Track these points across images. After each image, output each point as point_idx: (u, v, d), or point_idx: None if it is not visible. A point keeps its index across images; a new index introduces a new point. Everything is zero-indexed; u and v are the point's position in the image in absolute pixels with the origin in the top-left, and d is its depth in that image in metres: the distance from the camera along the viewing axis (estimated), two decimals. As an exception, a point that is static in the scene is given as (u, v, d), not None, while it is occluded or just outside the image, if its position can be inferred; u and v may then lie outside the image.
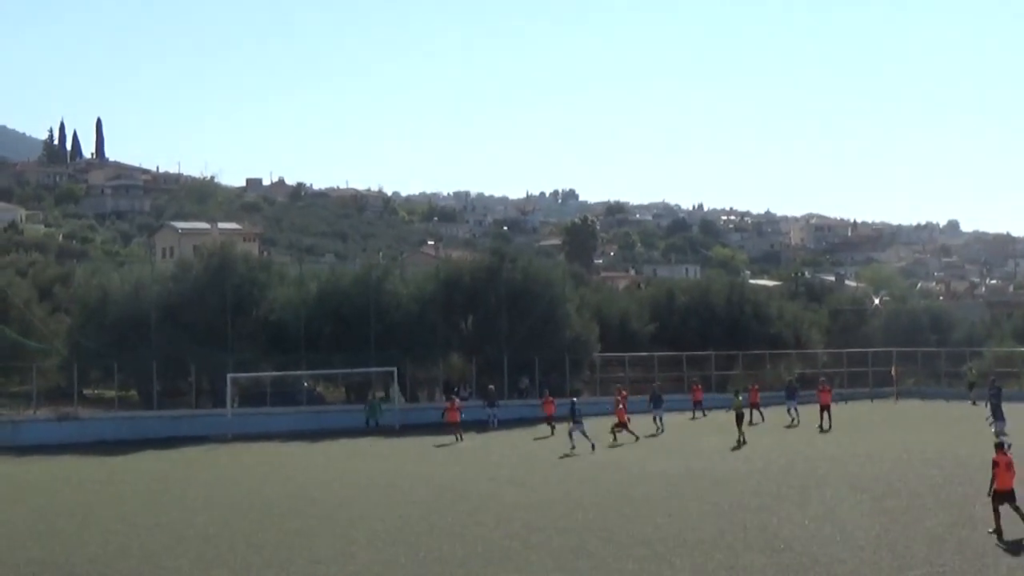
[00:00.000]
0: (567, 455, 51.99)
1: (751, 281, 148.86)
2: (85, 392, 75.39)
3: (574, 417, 54.81)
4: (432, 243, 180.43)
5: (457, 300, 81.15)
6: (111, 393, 76.62)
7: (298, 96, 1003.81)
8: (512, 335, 78.03)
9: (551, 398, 67.15)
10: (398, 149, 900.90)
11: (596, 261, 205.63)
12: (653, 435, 60.74)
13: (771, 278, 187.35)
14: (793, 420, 66.87)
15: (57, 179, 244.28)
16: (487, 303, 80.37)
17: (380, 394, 76.65)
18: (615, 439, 56.75)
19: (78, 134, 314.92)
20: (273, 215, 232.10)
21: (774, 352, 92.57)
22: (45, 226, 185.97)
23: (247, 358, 74.32)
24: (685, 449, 53.04)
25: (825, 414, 63.05)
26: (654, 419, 63.69)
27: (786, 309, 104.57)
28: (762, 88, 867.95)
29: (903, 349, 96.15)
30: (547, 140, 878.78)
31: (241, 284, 77.85)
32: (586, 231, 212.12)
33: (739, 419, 56.86)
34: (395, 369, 74.14)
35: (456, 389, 79.81)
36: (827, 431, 61.08)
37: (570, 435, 54.26)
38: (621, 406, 60.61)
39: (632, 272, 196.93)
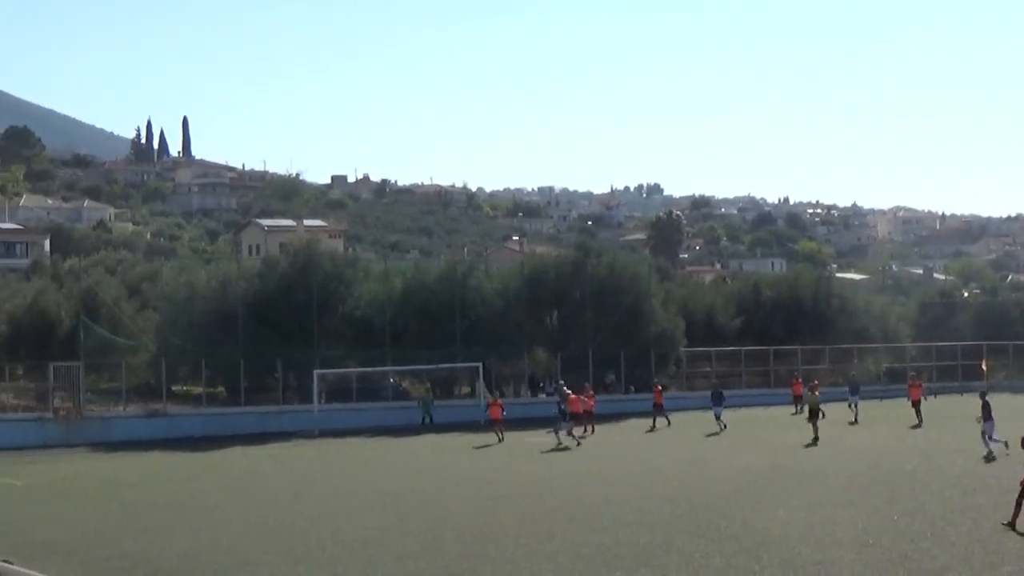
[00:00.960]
0: (654, 451, 51.73)
1: (838, 275, 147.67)
2: (173, 388, 75.90)
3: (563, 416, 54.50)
4: (516, 238, 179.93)
5: (542, 295, 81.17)
6: (199, 389, 77.16)
7: (383, 93, 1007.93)
8: (597, 330, 77.77)
9: (499, 401, 63.48)
10: (482, 145, 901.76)
11: (681, 255, 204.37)
12: (715, 433, 59.04)
13: (858, 271, 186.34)
14: (854, 417, 64.54)
15: (144, 177, 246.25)
16: (572, 298, 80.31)
17: (462, 390, 76.65)
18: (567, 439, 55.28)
19: (165, 133, 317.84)
20: (358, 212, 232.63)
21: (861, 346, 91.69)
22: (133, 224, 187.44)
23: (333, 354, 74.79)
24: (771, 444, 52.58)
25: (916, 410, 61.14)
26: (716, 417, 61.23)
27: (873, 302, 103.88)
28: (849, 80, 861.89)
29: (993, 342, 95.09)
30: (631, 134, 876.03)
31: (327, 281, 78.35)
32: (671, 225, 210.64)
33: (813, 415, 55.17)
34: (480, 364, 74.48)
35: (541, 384, 79.91)
36: (918, 427, 59.49)
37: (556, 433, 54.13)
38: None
39: (718, 266, 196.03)
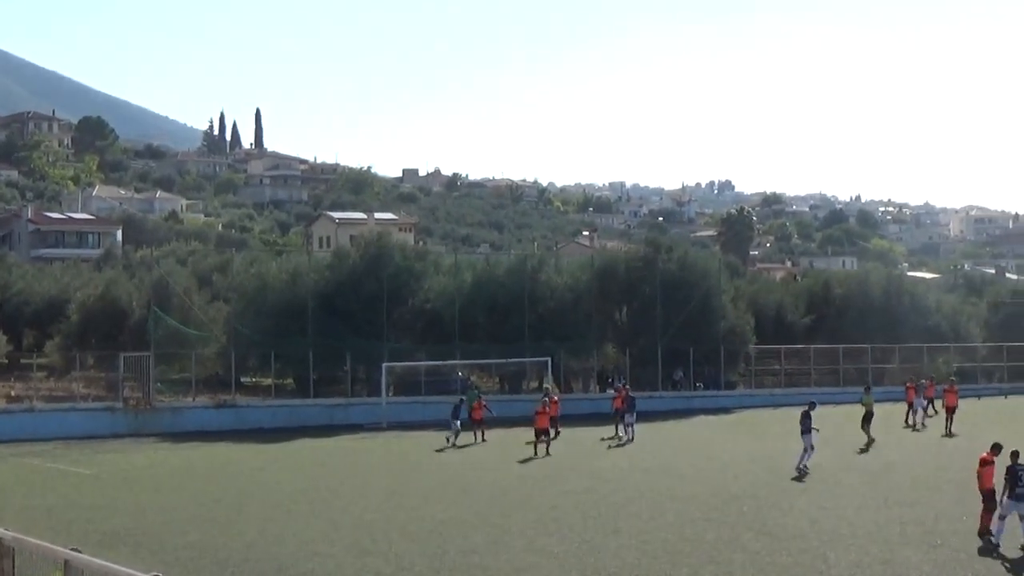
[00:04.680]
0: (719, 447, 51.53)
1: (909, 273, 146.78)
2: (242, 380, 76.27)
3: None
4: (587, 233, 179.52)
5: (612, 290, 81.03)
6: (268, 381, 77.43)
7: (453, 88, 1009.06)
8: (667, 326, 77.43)
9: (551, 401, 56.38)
10: (553, 140, 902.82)
11: (752, 252, 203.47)
12: (623, 444, 55.49)
13: (929, 270, 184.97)
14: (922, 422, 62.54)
15: (216, 169, 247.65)
16: (642, 294, 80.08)
17: (531, 384, 76.54)
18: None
19: (237, 125, 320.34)
20: (429, 205, 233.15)
21: (932, 345, 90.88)
22: (205, 215, 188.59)
23: (402, 347, 74.97)
24: (837, 442, 52.12)
25: (949, 416, 58.34)
26: (627, 426, 56.68)
27: (945, 302, 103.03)
28: (924, 79, 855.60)
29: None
30: (703, 131, 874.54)
31: (397, 273, 78.33)
32: (742, 222, 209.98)
33: (867, 418, 53.50)
34: (549, 359, 74.31)
35: (610, 379, 79.72)
36: (951, 436, 56.73)
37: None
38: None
39: (788, 264, 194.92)
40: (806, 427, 42.88)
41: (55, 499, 38.45)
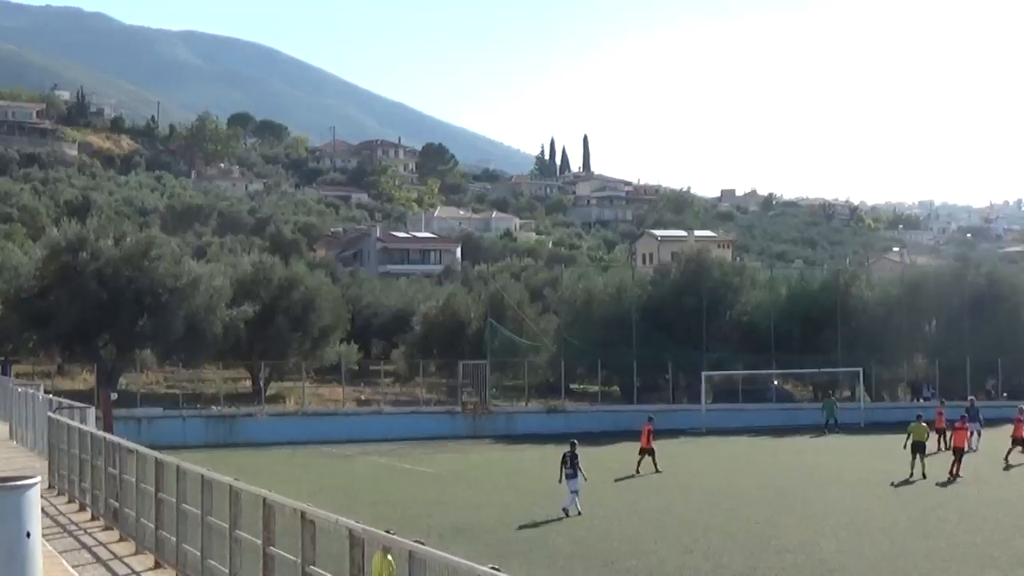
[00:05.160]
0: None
1: None
2: (571, 386, 76.89)
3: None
4: (897, 249, 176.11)
5: (921, 304, 79.64)
6: (595, 388, 77.96)
7: (766, 110, 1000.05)
8: (976, 338, 75.39)
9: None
10: (865, 159, 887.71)
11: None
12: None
13: None
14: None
15: (547, 191, 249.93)
16: (951, 307, 78.35)
17: (847, 393, 75.46)
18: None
19: (567, 150, 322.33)
20: (746, 223, 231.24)
21: None
22: (536, 234, 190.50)
23: (720, 357, 74.77)
24: None
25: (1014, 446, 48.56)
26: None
27: None
28: None
29: None
30: (1011, 148, 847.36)
31: (715, 287, 78.62)
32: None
33: (917, 448, 44.02)
34: (861, 369, 73.39)
35: (921, 389, 78.32)
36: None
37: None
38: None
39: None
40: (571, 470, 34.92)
41: (400, 495, 39.35)
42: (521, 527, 31.84)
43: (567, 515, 33.41)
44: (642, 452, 46.12)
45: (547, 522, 32.69)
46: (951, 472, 42.41)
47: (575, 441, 36.42)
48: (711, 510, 35.09)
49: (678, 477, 44.76)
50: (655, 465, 45.47)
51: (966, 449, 44.08)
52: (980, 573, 24.92)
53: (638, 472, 45.26)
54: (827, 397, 72.16)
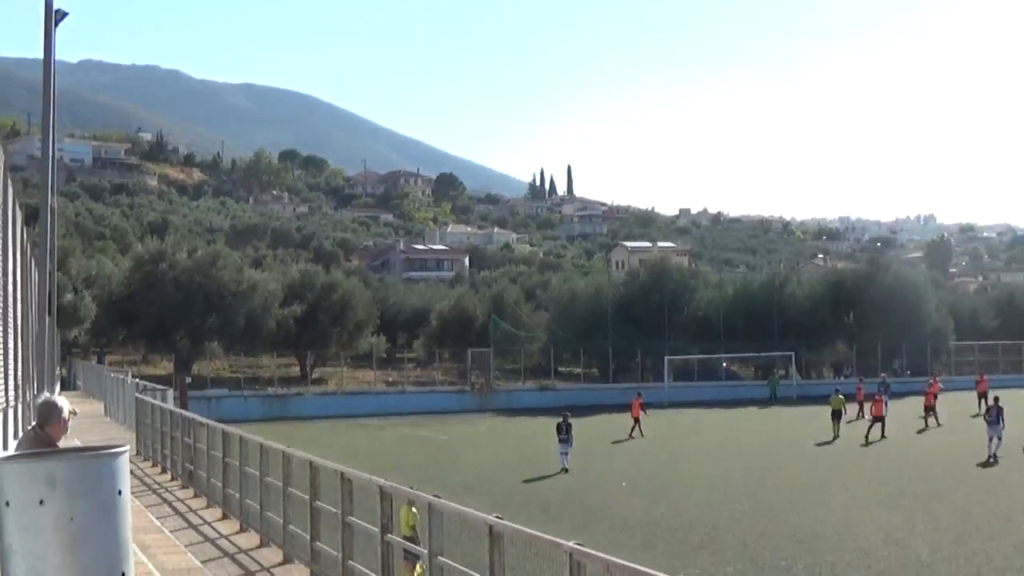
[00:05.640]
0: None
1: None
2: (559, 369, 76.96)
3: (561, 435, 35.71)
4: (821, 256, 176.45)
5: (841, 300, 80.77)
6: (578, 370, 78.01)
7: (714, 143, 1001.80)
8: (884, 327, 75.82)
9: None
10: (795, 182, 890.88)
11: (951, 270, 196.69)
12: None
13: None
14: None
15: (538, 211, 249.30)
16: (865, 302, 78.80)
17: (781, 372, 75.79)
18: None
19: (554, 177, 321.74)
20: (699, 236, 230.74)
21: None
22: (530, 246, 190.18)
23: (679, 344, 75.16)
24: None
25: (928, 413, 48.46)
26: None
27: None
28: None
29: None
30: (912, 171, 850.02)
31: (675, 288, 79.63)
32: (943, 247, 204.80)
33: (836, 415, 45.68)
34: (793, 353, 74.39)
35: (842, 369, 79.08)
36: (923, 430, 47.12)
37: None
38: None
39: (980, 278, 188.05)
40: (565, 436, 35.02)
41: (421, 458, 39.36)
42: (521, 483, 31.85)
43: (565, 472, 33.59)
44: (635, 420, 47.44)
45: (540, 478, 32.71)
46: (867, 435, 42.58)
47: (567, 412, 36.73)
48: (674, 468, 35.10)
49: (646, 441, 44.81)
50: (641, 430, 46.67)
51: (883, 416, 44.19)
52: (878, 502, 24.92)
53: (631, 436, 46.24)
54: (771, 375, 72.71)
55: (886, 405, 48.14)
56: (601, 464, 35.89)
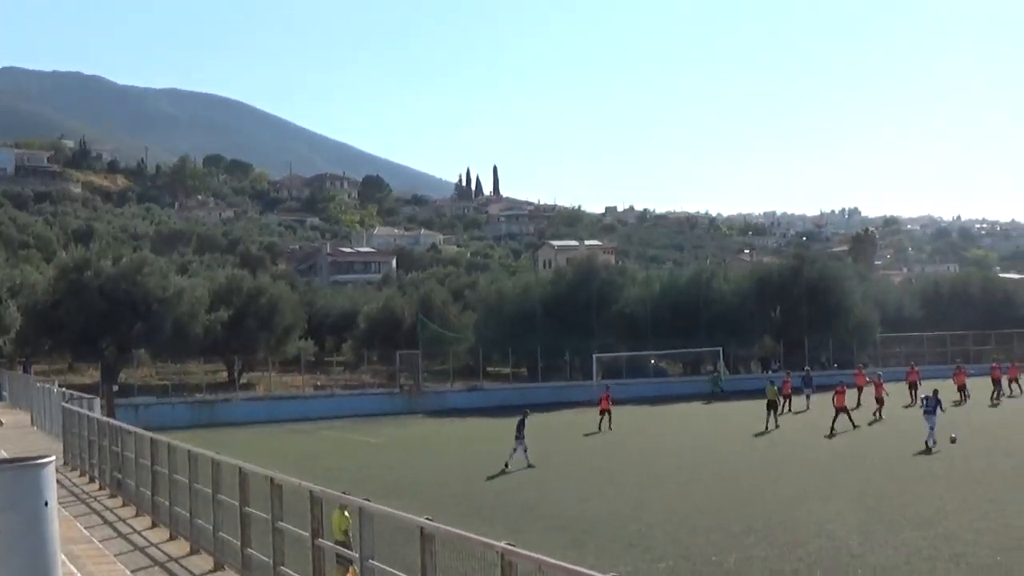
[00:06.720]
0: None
1: (1001, 275, 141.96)
2: (488, 369, 76.96)
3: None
4: (747, 251, 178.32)
5: (767, 294, 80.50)
6: (507, 370, 78.13)
7: (638, 139, 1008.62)
8: (811, 321, 76.64)
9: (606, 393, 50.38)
10: (719, 178, 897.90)
11: (876, 263, 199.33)
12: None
13: (1018, 272, 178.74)
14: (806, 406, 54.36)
15: (465, 211, 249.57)
16: (791, 296, 79.21)
17: (709, 368, 76.32)
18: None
19: (480, 177, 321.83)
20: (625, 233, 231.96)
21: (1021, 332, 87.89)
22: (457, 246, 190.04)
23: (607, 342, 75.26)
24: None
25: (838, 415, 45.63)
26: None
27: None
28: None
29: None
30: (837, 167, 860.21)
31: (602, 286, 79.41)
32: (867, 240, 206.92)
33: (771, 406, 46.29)
34: (721, 348, 74.58)
35: (770, 363, 79.71)
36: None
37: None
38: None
39: (904, 270, 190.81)
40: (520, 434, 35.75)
41: (350, 462, 39.15)
42: (452, 485, 31.80)
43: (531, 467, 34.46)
44: (602, 413, 48.16)
45: (472, 479, 32.68)
46: (833, 427, 42.20)
47: (527, 411, 38.00)
48: (607, 465, 35.18)
49: (577, 440, 44.92)
50: (609, 424, 47.64)
51: (845, 406, 43.64)
52: (810, 494, 25.19)
53: (600, 430, 47.08)
54: (714, 372, 72.68)
55: (807, 398, 48.87)
56: (536, 462, 35.85)
